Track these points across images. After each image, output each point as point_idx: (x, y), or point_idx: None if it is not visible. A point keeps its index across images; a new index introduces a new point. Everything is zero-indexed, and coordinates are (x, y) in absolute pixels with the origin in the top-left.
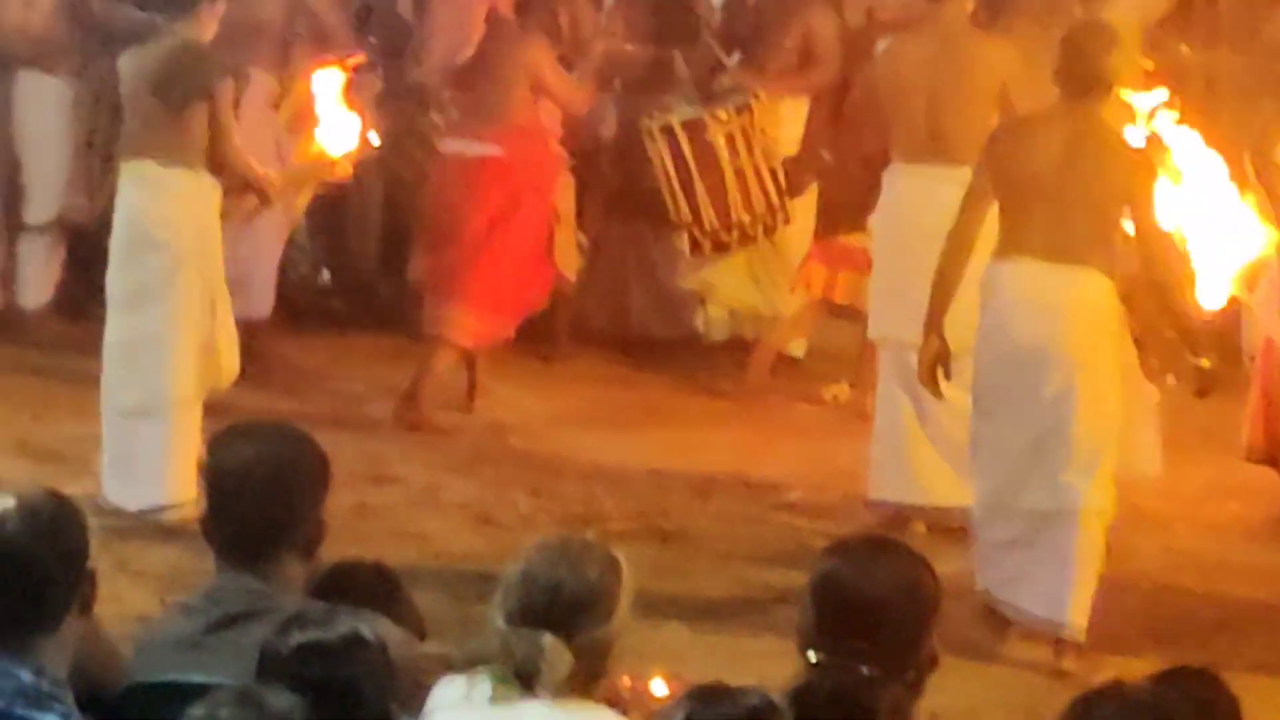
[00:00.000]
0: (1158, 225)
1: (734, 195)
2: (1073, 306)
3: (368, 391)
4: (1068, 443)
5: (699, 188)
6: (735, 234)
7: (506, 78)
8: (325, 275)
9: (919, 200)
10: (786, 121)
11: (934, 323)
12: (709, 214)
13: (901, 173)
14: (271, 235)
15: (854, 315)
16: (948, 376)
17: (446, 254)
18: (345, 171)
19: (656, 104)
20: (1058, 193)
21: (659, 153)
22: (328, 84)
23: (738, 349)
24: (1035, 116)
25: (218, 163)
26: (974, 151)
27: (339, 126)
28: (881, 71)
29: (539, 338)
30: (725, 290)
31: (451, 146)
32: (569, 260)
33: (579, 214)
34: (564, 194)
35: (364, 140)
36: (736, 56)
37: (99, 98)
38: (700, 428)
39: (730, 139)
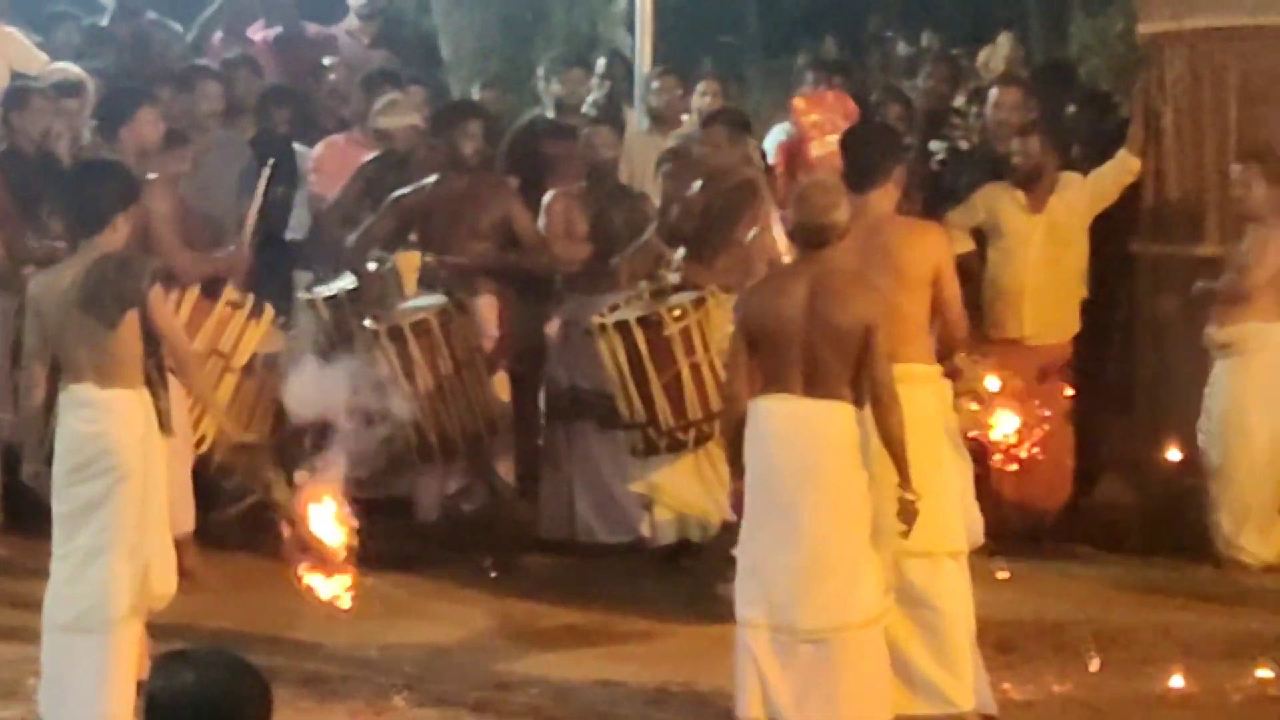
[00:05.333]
0: None
1: (690, 393)
2: None
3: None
4: None
5: (655, 386)
6: (692, 433)
7: None
8: None
9: None
10: None
11: None
12: (665, 413)
13: None
14: (183, 449)
15: None
16: None
17: None
18: None
19: (602, 302)
20: None
21: (612, 350)
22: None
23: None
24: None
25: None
26: (918, 349)
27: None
28: None
29: (479, 548)
30: (673, 493)
31: None
32: None
33: (518, 419)
34: None
35: None
36: (680, 252)
37: (20, 310)
38: (649, 637)
39: (685, 335)
